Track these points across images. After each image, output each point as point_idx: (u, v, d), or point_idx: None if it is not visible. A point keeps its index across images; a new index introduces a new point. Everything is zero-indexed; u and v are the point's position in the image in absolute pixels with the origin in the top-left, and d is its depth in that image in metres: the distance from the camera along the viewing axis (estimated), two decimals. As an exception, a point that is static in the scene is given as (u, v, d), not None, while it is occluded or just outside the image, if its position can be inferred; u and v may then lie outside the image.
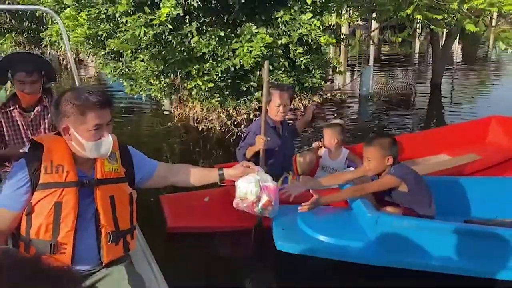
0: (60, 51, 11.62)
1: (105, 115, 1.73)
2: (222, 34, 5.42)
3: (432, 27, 6.98)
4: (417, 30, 10.77)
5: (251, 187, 2.10)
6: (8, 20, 10.95)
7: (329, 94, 5.99)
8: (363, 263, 2.67)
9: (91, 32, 5.97)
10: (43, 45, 11.20)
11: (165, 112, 7.26)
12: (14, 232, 1.76)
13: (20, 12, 11.05)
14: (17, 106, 2.63)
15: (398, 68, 12.73)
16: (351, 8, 9.00)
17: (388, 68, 12.53)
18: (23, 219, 1.72)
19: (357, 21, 12.57)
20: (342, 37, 6.55)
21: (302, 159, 3.73)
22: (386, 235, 2.65)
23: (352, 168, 3.64)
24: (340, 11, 6.09)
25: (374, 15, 9.22)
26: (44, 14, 10.48)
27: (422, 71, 12.46)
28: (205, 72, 5.46)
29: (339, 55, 12.72)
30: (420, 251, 2.61)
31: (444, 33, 9.80)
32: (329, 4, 5.73)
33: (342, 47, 11.77)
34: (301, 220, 2.92)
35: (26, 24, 11.36)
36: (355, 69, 12.68)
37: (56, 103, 1.73)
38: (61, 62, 12.82)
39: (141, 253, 2.24)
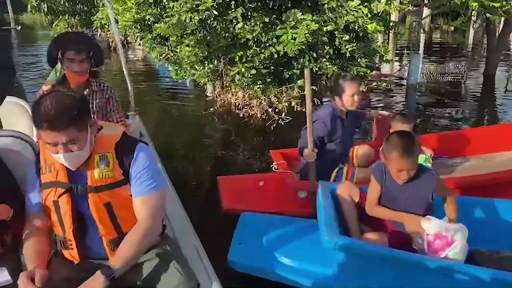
0: (110, 34, 11.92)
1: (58, 136, 1.58)
2: (267, 20, 5.35)
3: (488, 15, 6.60)
4: (472, 18, 10.22)
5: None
6: (62, 2, 11.32)
7: (374, 83, 5.83)
8: None
9: (139, 16, 6.07)
10: (94, 28, 11.54)
11: (208, 98, 7.32)
12: None
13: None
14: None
15: (450, 57, 12.18)
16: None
17: (439, 57, 12.01)
18: (47, 216, 1.77)
19: (408, 7, 12.07)
20: (391, 24, 6.31)
21: (360, 151, 3.62)
22: (346, 262, 2.32)
23: (422, 156, 3.50)
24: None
25: (426, 1, 8.85)
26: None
27: (476, 61, 11.87)
28: (248, 58, 5.43)
29: (388, 43, 12.32)
30: (381, 283, 2.31)
31: (502, 21, 9.26)
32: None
33: (391, 34, 11.37)
34: (264, 235, 2.72)
35: (79, 6, 11.72)
36: (403, 57, 12.26)
37: (34, 104, 1.65)
38: (111, 44, 13.15)
39: (186, 233, 2.29)
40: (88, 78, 2.76)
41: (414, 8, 12.29)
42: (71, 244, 1.73)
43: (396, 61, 11.38)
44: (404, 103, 7.55)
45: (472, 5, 5.91)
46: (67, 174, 1.69)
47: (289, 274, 2.47)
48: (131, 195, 1.73)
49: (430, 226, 2.32)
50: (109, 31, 10.82)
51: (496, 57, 8.88)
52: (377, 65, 8.75)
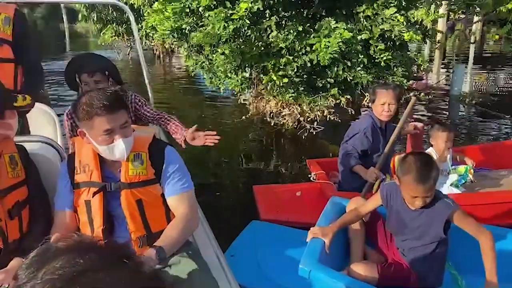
0: (154, 42, 12.27)
1: (116, 119, 1.67)
2: (300, 28, 5.32)
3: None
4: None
5: None
6: (110, 11, 11.76)
7: (411, 94, 5.62)
8: None
9: (176, 25, 6.20)
10: (139, 36, 11.92)
11: (241, 106, 7.34)
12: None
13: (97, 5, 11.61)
14: None
15: (502, 68, 11.60)
16: (447, 1, 8.32)
17: (490, 67, 11.45)
18: (76, 217, 1.81)
19: (458, 14, 11.61)
20: (430, 33, 6.09)
21: None
22: None
23: (462, 166, 3.41)
24: (430, 6, 5.60)
25: (473, 8, 8.49)
26: (142, 6, 11.14)
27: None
28: (280, 67, 5.41)
29: (434, 52, 11.91)
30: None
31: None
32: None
33: (438, 43, 10.99)
34: (263, 249, 2.56)
35: (126, 15, 12.10)
36: (451, 67, 11.82)
37: (74, 106, 1.73)
38: (154, 52, 13.54)
39: (206, 239, 2.28)
40: None
41: (462, 15, 11.80)
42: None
43: (445, 71, 10.98)
44: (446, 114, 7.26)
45: (520, 13, 5.59)
46: (100, 174, 1.76)
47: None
48: (161, 195, 1.79)
49: None
50: (153, 39, 11.11)
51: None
52: (422, 75, 8.49)
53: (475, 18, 10.27)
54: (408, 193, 2.14)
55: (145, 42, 13.61)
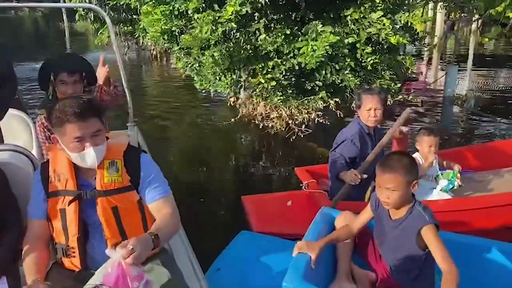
0: (151, 42, 12.25)
1: (87, 126, 1.69)
2: (288, 32, 5.32)
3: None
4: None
5: None
6: (106, 12, 11.73)
7: (400, 97, 5.61)
8: None
9: (166, 27, 6.20)
10: (136, 36, 11.90)
11: (230, 108, 7.33)
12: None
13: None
14: None
15: (502, 69, 11.50)
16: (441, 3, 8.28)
17: (490, 68, 11.35)
18: (50, 225, 1.80)
19: (457, 13, 11.52)
20: (420, 36, 6.06)
21: None
22: None
23: (450, 171, 3.39)
24: (423, 9, 5.55)
25: (471, 10, 8.44)
26: (138, 6, 11.13)
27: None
28: (268, 70, 5.41)
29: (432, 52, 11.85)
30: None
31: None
32: (405, 2, 5.35)
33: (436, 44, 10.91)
34: (251, 262, 2.49)
35: (123, 15, 12.08)
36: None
37: (47, 111, 1.76)
38: (152, 52, 13.55)
39: (182, 247, 2.29)
40: None
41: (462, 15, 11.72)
42: (73, 252, 1.76)
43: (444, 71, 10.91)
44: (439, 116, 7.22)
45: (510, 16, 5.56)
46: (76, 182, 1.76)
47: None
48: (137, 201, 1.79)
49: None
50: (149, 39, 11.10)
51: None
52: (414, 77, 8.43)
53: (473, 19, 10.22)
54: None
55: (142, 42, 13.65)
